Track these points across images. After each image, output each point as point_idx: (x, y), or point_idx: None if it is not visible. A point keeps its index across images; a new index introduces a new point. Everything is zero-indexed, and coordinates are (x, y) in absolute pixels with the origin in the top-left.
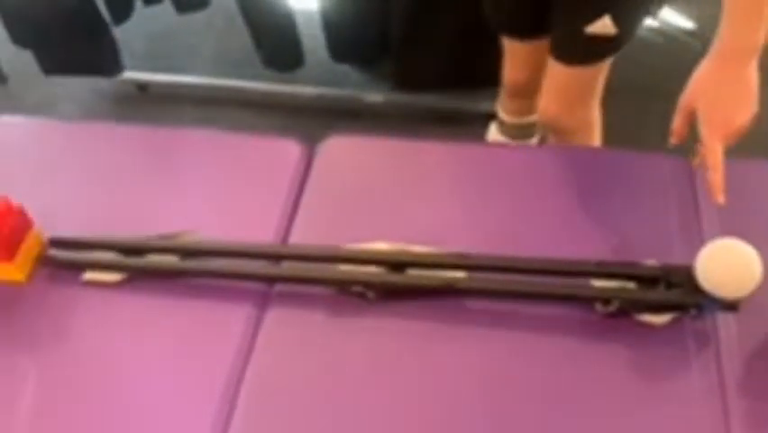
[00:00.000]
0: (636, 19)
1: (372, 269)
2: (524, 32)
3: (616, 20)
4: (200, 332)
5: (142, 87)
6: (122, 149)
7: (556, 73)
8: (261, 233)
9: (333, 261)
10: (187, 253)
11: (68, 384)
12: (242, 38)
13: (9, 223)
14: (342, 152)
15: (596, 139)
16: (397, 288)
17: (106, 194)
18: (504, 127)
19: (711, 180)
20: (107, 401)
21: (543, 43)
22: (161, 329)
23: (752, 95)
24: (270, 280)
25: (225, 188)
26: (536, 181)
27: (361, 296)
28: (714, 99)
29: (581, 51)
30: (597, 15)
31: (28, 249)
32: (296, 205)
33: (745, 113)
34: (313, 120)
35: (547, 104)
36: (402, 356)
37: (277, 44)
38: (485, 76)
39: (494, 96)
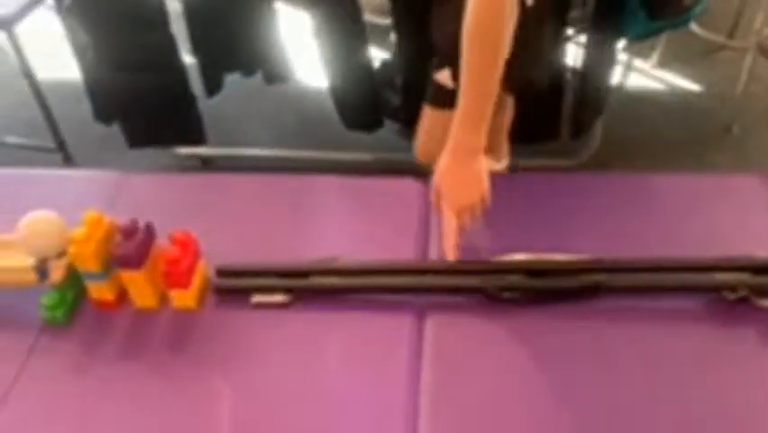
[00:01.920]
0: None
1: (516, 277)
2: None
3: (454, 76)
4: (371, 342)
5: (206, 161)
6: (265, 192)
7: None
8: (403, 255)
9: (481, 272)
10: (347, 273)
11: (261, 399)
12: (294, 106)
13: (190, 253)
14: None
15: None
16: (545, 291)
17: (256, 231)
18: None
19: (445, 243)
20: (301, 415)
21: None
22: (333, 343)
23: (479, 181)
24: (427, 291)
25: (360, 221)
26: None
27: (510, 301)
28: (449, 184)
29: (431, 94)
30: (441, 65)
31: (199, 278)
32: (426, 230)
33: (473, 194)
34: None
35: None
36: (560, 351)
37: (359, 107)
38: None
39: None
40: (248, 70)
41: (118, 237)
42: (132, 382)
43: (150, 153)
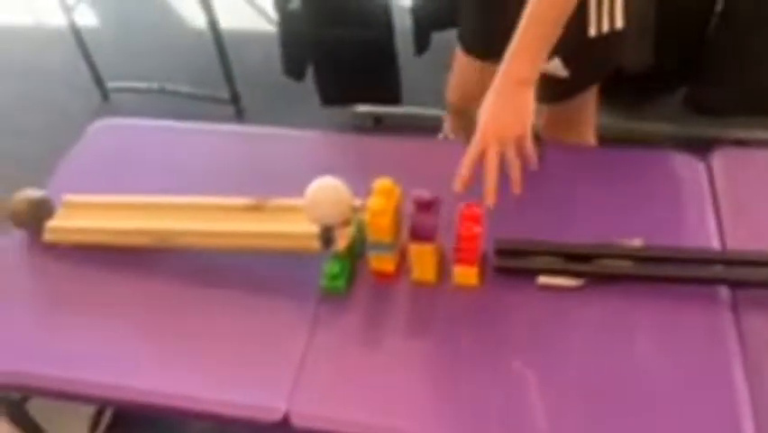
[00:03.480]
0: (589, 67)
1: None
2: (488, 52)
3: (566, 62)
4: (680, 336)
5: (378, 119)
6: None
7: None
8: (701, 240)
9: None
10: (641, 259)
11: (566, 389)
12: None
13: (478, 228)
14: (732, 163)
15: None
16: None
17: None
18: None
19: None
20: (613, 411)
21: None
22: (635, 333)
23: (525, 112)
24: (738, 284)
25: (637, 198)
26: None
27: None
28: (493, 112)
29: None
30: (550, 56)
31: (483, 255)
32: (717, 214)
33: (516, 125)
34: None
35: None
36: None
37: None
38: None
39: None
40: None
41: (411, 208)
42: (424, 356)
43: (321, 110)
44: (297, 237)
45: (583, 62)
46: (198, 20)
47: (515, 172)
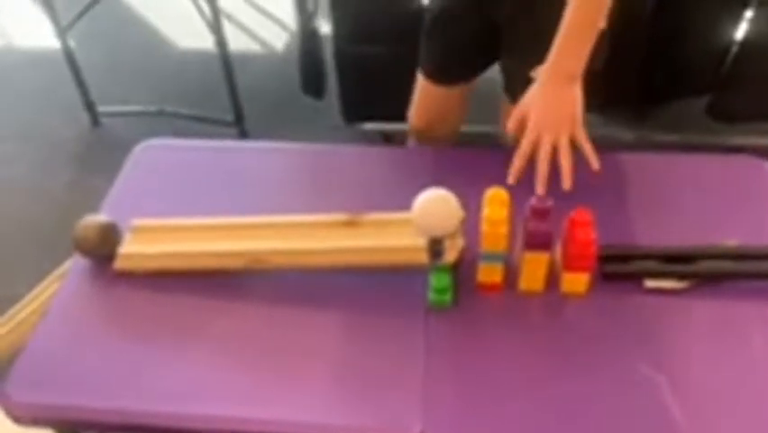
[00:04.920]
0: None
1: None
2: (453, 78)
3: None
4: None
5: (387, 137)
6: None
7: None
8: None
9: None
10: (740, 257)
11: (692, 394)
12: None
13: (593, 234)
14: None
15: None
16: None
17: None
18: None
19: (514, 163)
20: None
21: (459, 90)
22: (739, 330)
23: (574, 106)
24: None
25: (706, 200)
26: None
27: None
28: (540, 106)
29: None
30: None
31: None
32: None
33: (565, 119)
34: None
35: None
36: None
37: None
38: None
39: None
40: None
41: (527, 217)
42: (548, 368)
43: (326, 129)
44: (404, 251)
45: None
46: (188, 40)
47: (567, 163)
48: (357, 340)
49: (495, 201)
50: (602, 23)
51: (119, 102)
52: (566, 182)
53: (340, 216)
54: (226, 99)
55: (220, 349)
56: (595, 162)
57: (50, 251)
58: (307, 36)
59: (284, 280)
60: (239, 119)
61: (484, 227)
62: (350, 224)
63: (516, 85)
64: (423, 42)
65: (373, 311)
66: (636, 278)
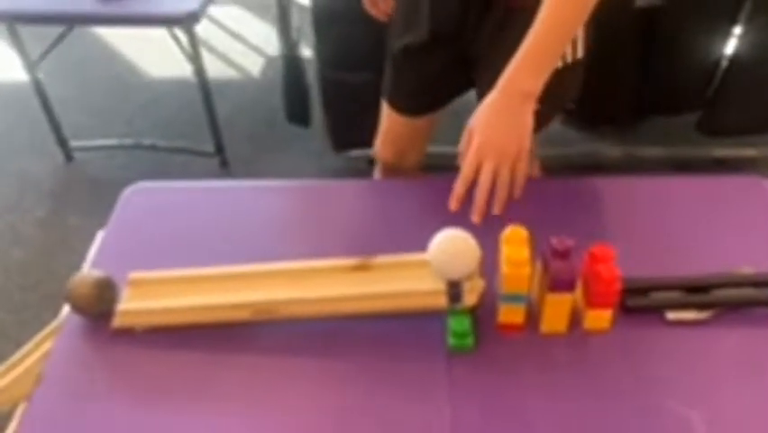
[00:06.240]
0: (556, 97)
1: None
2: (421, 109)
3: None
4: None
5: (372, 161)
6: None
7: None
8: None
9: None
10: (759, 284)
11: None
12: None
13: (617, 270)
14: None
15: None
16: None
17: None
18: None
19: (455, 189)
20: None
21: (424, 121)
22: (763, 362)
23: (523, 132)
24: None
25: (719, 224)
26: None
27: None
28: (488, 125)
29: None
30: None
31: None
32: None
33: (512, 145)
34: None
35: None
36: None
37: None
38: None
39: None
40: None
41: (548, 257)
42: (580, 409)
43: (307, 156)
44: (422, 295)
45: (550, 93)
46: (159, 69)
47: (503, 193)
48: (377, 390)
49: (514, 240)
50: (579, 53)
51: (92, 136)
52: (496, 208)
53: (350, 261)
54: (204, 129)
55: (229, 409)
56: (501, 207)
57: (25, 294)
58: (292, 64)
59: (293, 329)
60: (219, 149)
61: (505, 269)
62: (361, 267)
63: None
64: (390, 75)
65: (391, 359)
66: (657, 310)
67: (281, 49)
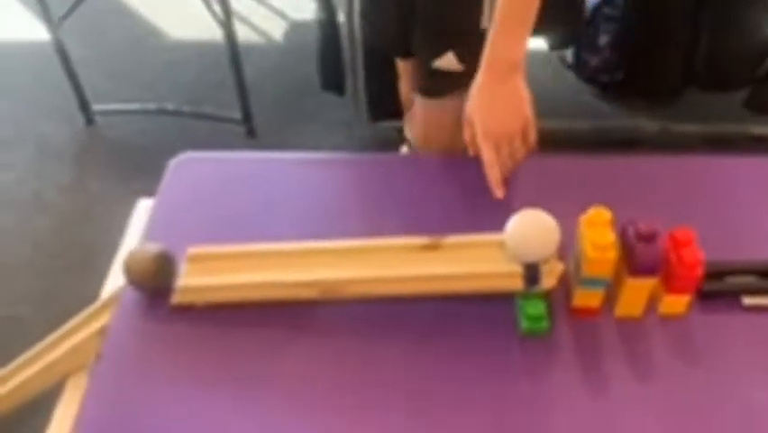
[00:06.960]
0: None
1: None
2: (401, 53)
3: (460, 57)
4: None
5: (401, 130)
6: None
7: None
8: None
9: None
10: None
11: None
12: None
13: (701, 254)
14: None
15: None
16: None
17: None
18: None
19: (488, 177)
20: None
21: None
22: None
23: (522, 103)
24: None
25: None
26: None
27: None
28: (484, 107)
29: (427, 85)
30: (443, 51)
31: None
32: None
33: (515, 120)
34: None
35: (414, 132)
36: None
37: None
38: None
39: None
40: None
41: (632, 241)
42: (658, 397)
43: (338, 125)
44: (497, 277)
45: (477, 55)
46: (181, 31)
47: (521, 158)
48: (449, 374)
49: (597, 223)
50: None
51: (112, 100)
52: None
53: (419, 240)
54: (227, 94)
55: (293, 392)
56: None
57: (50, 265)
58: (329, 30)
59: (355, 310)
60: (247, 117)
61: (588, 252)
62: (430, 247)
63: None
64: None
65: (461, 342)
66: (734, 295)
67: (318, 13)
